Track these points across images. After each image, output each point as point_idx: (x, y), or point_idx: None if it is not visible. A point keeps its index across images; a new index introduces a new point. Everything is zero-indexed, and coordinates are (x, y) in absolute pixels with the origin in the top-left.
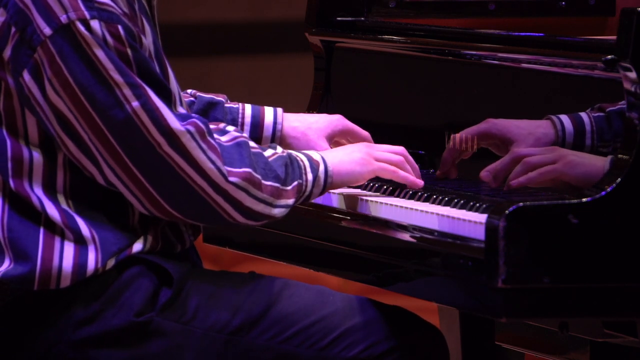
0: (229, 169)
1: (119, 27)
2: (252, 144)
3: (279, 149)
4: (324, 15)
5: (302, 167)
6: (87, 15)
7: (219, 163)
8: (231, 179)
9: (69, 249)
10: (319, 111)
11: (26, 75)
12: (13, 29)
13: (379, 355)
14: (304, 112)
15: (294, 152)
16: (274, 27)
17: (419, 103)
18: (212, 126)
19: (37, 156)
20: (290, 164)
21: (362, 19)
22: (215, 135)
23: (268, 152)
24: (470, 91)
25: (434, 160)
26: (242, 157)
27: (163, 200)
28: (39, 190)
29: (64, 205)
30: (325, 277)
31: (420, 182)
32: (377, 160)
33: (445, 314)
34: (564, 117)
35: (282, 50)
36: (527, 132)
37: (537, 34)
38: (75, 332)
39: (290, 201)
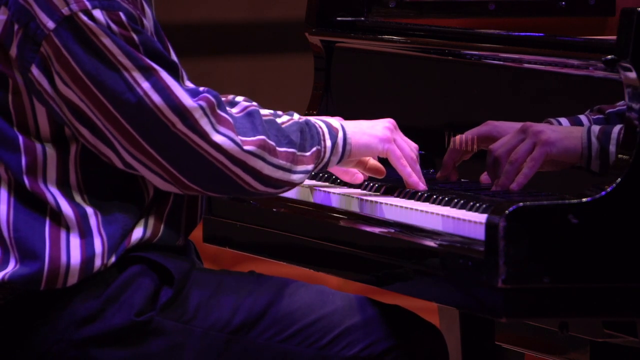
0: (243, 138)
1: (121, 13)
2: (263, 111)
3: (296, 116)
4: (324, 15)
5: (321, 133)
6: (89, 6)
7: (232, 135)
8: (246, 147)
9: (76, 243)
10: (319, 111)
11: (35, 70)
12: (16, 26)
13: (378, 354)
14: (304, 112)
15: (312, 119)
16: (274, 27)
17: (419, 103)
18: (223, 99)
19: (50, 151)
20: (308, 129)
21: (362, 19)
22: (227, 108)
23: (283, 119)
24: (470, 91)
25: (434, 160)
26: (255, 125)
27: (182, 176)
28: (52, 186)
29: (78, 199)
30: (325, 277)
31: (423, 186)
32: (396, 143)
33: (445, 314)
34: (563, 120)
35: (282, 50)
36: None
37: (537, 34)
38: (76, 331)
39: (310, 167)
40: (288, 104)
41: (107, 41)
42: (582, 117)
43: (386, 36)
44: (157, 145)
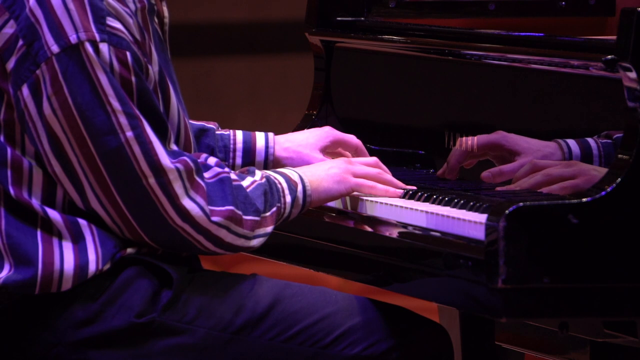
0: (212, 208)
1: (128, 53)
2: (233, 176)
3: (257, 175)
4: (324, 15)
5: (280, 190)
6: (97, 38)
7: (203, 204)
8: (214, 218)
9: (69, 250)
10: (319, 111)
11: (25, 90)
12: (20, 42)
13: (380, 354)
14: (304, 112)
15: (272, 175)
16: (274, 27)
17: (419, 103)
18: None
19: (36, 168)
20: (269, 188)
21: (362, 19)
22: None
23: (246, 182)
24: (470, 91)
25: (434, 160)
26: (225, 194)
27: (143, 232)
28: (37, 200)
29: (65, 212)
30: (325, 277)
31: (399, 192)
32: (355, 175)
33: (445, 314)
34: (571, 142)
35: (282, 50)
36: (535, 148)
37: (537, 34)
38: (74, 334)
39: (269, 229)
40: (288, 104)
41: (103, 78)
42: (591, 141)
43: (386, 36)
44: (126, 195)
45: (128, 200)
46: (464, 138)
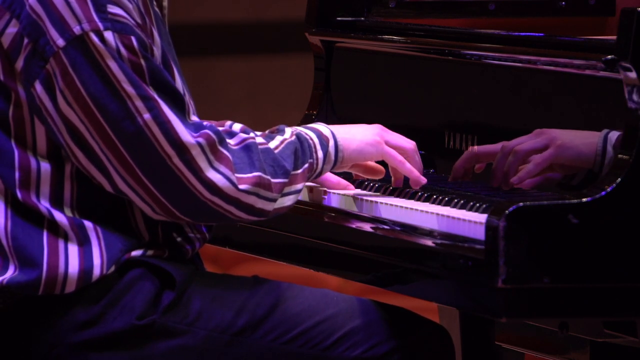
0: (239, 175)
1: (132, 38)
2: (259, 140)
3: (287, 133)
4: (324, 15)
5: (312, 146)
6: (101, 27)
7: (229, 173)
8: (241, 186)
9: (74, 253)
10: (319, 111)
11: (38, 86)
12: (26, 40)
13: (382, 355)
14: (304, 112)
15: (303, 131)
16: (274, 27)
17: (419, 103)
18: (220, 128)
19: (45, 167)
20: (300, 145)
21: (362, 19)
22: (227, 142)
23: (275, 142)
24: (470, 91)
25: (434, 160)
26: (252, 160)
27: (174, 208)
28: (46, 201)
29: (71, 214)
30: (325, 277)
31: (423, 180)
32: (388, 144)
33: (445, 314)
34: None
35: (282, 50)
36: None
37: (537, 34)
38: (75, 335)
39: (299, 186)
40: (288, 104)
41: (113, 65)
42: None
43: (386, 36)
44: (152, 176)
45: (155, 180)
46: (473, 147)
